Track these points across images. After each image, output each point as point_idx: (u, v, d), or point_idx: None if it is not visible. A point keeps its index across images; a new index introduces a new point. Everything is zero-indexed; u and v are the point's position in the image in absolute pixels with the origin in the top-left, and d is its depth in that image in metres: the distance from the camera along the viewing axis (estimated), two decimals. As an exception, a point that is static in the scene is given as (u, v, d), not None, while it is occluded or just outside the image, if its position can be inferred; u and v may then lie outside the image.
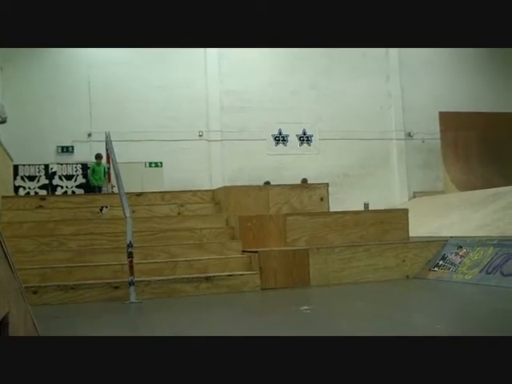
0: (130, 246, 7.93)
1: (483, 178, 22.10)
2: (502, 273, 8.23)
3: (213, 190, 12.22)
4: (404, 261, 9.64)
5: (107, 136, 10.97)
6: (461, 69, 23.07)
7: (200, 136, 20.25)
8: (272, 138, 20.99)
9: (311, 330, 5.62)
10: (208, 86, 20.54)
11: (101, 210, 10.70)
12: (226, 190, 11.46)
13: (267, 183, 18.98)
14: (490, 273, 8.44)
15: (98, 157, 17.82)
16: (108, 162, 11.81)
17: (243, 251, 9.61)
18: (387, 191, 21.55)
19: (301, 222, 10.25)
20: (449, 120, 23.02)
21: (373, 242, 10.06)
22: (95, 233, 9.86)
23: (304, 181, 18.94)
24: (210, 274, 8.79)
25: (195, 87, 20.36)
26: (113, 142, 10.83)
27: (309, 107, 21.07)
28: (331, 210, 11.51)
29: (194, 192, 12.00)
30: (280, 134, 21.05)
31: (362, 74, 21.81)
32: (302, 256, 9.19)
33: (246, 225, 10.03)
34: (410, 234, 10.98)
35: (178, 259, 9.20)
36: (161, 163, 19.93)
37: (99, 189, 17.67)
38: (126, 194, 8.91)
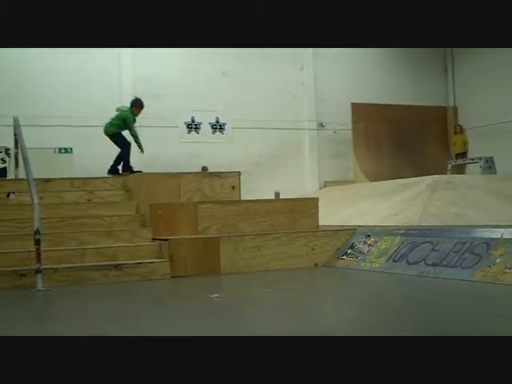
0: (37, 232, 7.77)
1: (392, 169, 22.56)
2: (407, 261, 8.43)
3: (124, 177, 12.09)
4: (313, 249, 9.75)
5: (15, 120, 10.70)
6: (374, 61, 23.40)
7: (112, 122, 19.98)
8: (185, 126, 20.89)
9: (221, 318, 5.64)
10: (121, 72, 20.26)
11: (8, 195, 10.45)
12: (137, 177, 11.36)
13: (204, 169, 18.89)
14: (396, 261, 8.64)
15: (141, 106, 13.36)
16: (16, 147, 11.52)
17: (153, 239, 9.55)
18: (299, 180, 21.75)
19: (212, 210, 10.25)
20: (361, 111, 23.37)
21: (283, 231, 10.14)
22: (2, 219, 9.62)
23: (204, 169, 18.85)
24: (119, 262, 8.71)
25: (108, 73, 20.05)
26: (22, 127, 10.55)
27: (222, 95, 21.03)
28: (243, 198, 11.55)
29: (105, 179, 11.83)
30: (193, 121, 20.96)
31: (276, 63, 21.87)
32: (212, 244, 9.20)
33: (156, 212, 9.96)
34: (320, 223, 11.12)
35: (87, 246, 9.08)
36: (71, 149, 19.57)
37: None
38: (35, 180, 8.71)
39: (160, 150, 19.85)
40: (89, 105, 19.56)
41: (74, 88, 19.48)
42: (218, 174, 11.52)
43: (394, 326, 4.96)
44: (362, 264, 9.14)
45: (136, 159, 19.28)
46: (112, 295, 7.58)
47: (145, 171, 12.62)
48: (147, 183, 10.93)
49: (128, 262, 8.76)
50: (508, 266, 7.06)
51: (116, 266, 8.55)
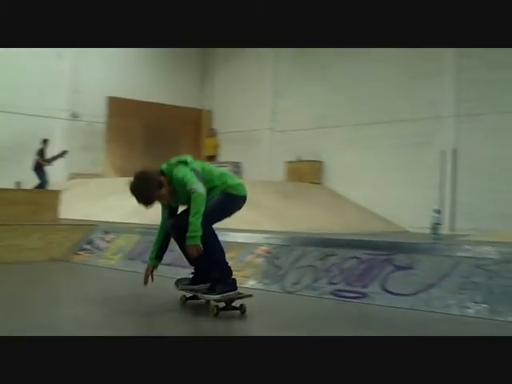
0: None
1: (143, 166, 22.58)
2: (143, 261, 8.45)
3: None
4: (51, 243, 9.53)
5: None
6: (134, 56, 23.20)
7: None
8: None
9: None
10: None
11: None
12: None
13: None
14: (132, 259, 8.67)
15: None
16: None
17: None
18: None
19: None
20: (116, 106, 23.19)
21: (20, 222, 9.78)
22: None
23: None
24: None
25: None
26: None
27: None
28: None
29: None
30: None
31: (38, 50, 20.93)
32: None
33: None
34: (65, 216, 10.91)
35: None
36: None
37: None
38: None
39: None
40: None
41: None
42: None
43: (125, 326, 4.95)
44: (99, 260, 9.09)
45: None
46: None
47: None
48: None
49: None
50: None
51: None
